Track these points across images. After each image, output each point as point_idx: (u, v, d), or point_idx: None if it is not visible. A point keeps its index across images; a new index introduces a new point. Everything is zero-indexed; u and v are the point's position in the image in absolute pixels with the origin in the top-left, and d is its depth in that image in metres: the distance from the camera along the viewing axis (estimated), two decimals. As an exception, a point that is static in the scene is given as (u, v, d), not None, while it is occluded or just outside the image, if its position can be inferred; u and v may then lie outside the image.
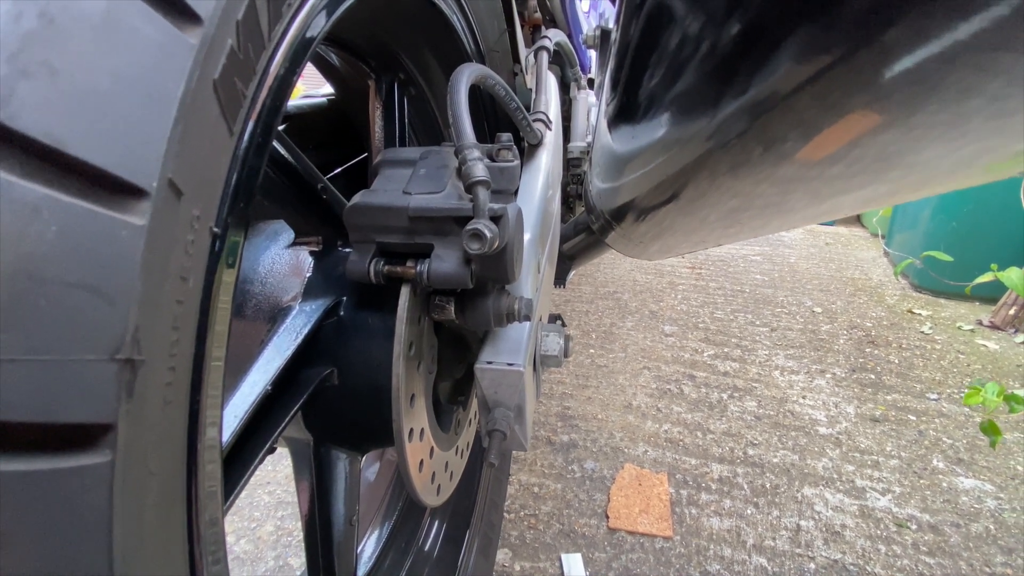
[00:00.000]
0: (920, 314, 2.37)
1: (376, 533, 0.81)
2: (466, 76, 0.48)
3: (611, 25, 1.07)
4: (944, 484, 1.35)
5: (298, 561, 1.13)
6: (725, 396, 1.69)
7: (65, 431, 0.15)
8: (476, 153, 0.43)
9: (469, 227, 0.41)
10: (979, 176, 0.21)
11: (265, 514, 1.23)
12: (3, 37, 0.13)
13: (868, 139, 0.22)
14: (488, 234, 0.41)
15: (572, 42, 1.24)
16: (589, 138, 1.22)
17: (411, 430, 0.50)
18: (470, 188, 0.42)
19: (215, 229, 0.20)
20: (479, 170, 0.42)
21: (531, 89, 0.90)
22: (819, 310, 2.37)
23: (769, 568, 1.11)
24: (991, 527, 1.22)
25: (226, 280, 0.23)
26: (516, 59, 0.94)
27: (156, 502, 0.18)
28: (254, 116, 0.23)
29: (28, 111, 0.14)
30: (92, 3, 0.15)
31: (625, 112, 0.52)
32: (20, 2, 0.14)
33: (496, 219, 0.43)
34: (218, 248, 0.21)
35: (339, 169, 0.78)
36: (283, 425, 0.45)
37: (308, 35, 0.28)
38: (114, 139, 0.15)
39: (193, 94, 0.18)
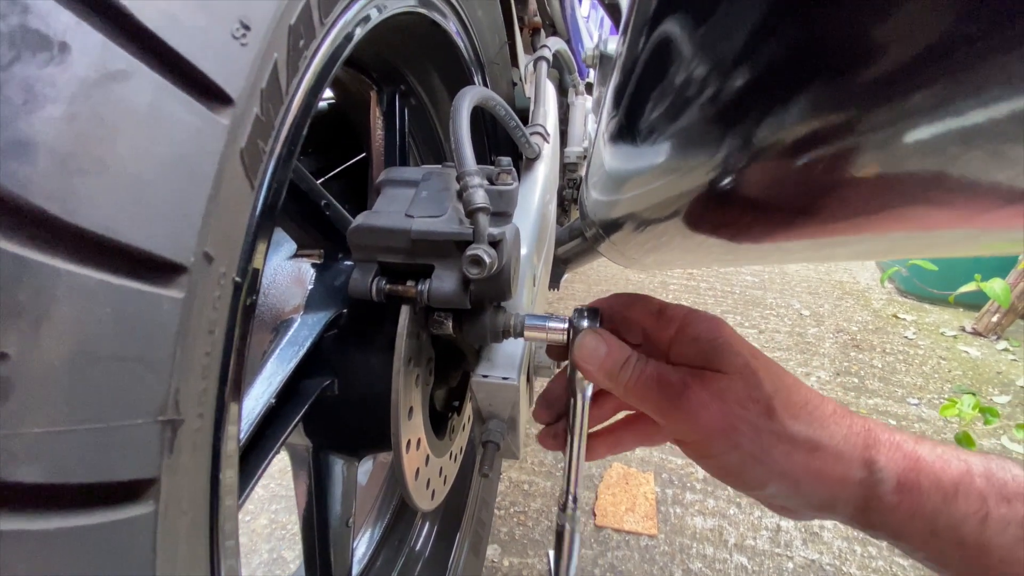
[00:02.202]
0: (904, 319, 2.42)
1: (369, 533, 0.84)
2: (468, 100, 0.49)
3: (608, 48, 1.08)
4: (920, 488, 1.39)
5: (291, 554, 1.15)
6: (712, 397, 1.73)
7: (115, 488, 0.17)
8: (477, 179, 0.44)
9: (469, 252, 0.42)
10: (978, 250, 0.22)
11: (259, 507, 1.25)
12: (60, 139, 0.15)
13: (875, 202, 0.23)
14: (487, 260, 0.42)
15: (571, 47, 1.25)
16: (585, 143, 1.24)
17: (408, 441, 0.52)
18: (471, 214, 0.44)
19: (237, 279, 0.22)
20: (479, 197, 0.44)
21: (530, 98, 0.91)
22: (807, 313, 2.41)
23: (749, 566, 1.15)
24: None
25: (245, 320, 0.24)
26: (515, 64, 0.95)
27: (187, 535, 0.20)
28: (272, 165, 0.25)
29: (84, 206, 0.15)
30: (138, 98, 0.17)
31: (625, 133, 0.52)
32: (73, 105, 0.15)
33: (495, 244, 0.44)
34: (239, 294, 0.23)
35: (338, 170, 0.79)
36: (286, 435, 0.47)
37: (321, 77, 0.30)
38: (158, 223, 0.17)
39: (224, 168, 0.19)
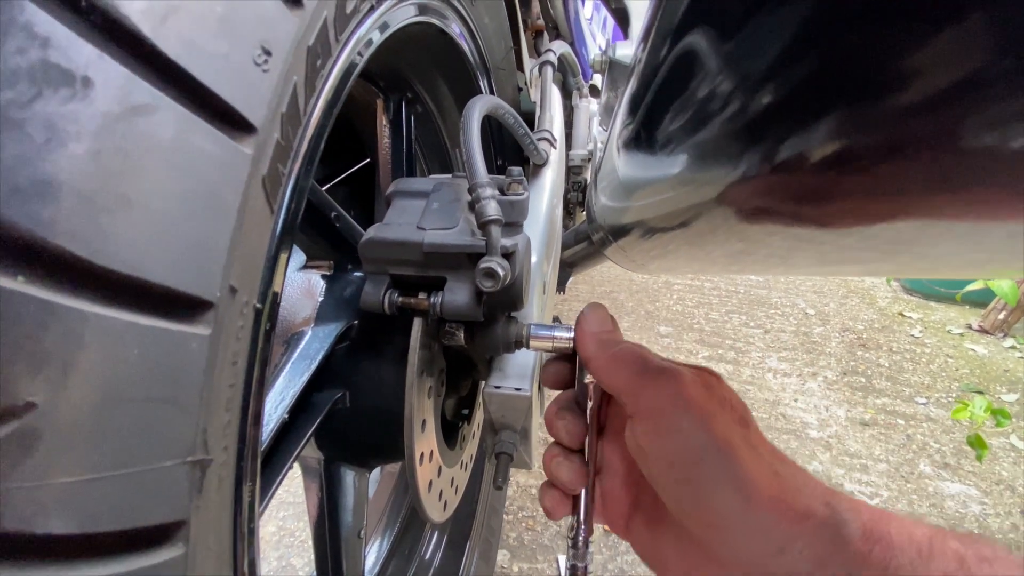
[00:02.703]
0: (910, 317, 2.41)
1: (378, 542, 0.83)
2: (478, 110, 0.49)
3: (617, 53, 1.07)
4: (930, 488, 1.39)
5: (300, 561, 1.15)
6: (719, 398, 1.72)
7: (146, 534, 0.16)
8: (489, 191, 0.44)
9: (482, 265, 0.42)
10: (983, 274, 0.22)
11: (267, 515, 1.25)
12: (84, 177, 0.14)
13: (886, 225, 0.23)
14: (501, 272, 0.42)
15: (575, 50, 1.25)
16: (590, 146, 1.23)
17: (421, 453, 0.52)
18: (483, 226, 0.43)
19: (258, 305, 0.21)
20: (492, 209, 0.43)
21: (535, 102, 0.91)
22: (812, 312, 2.40)
23: (760, 570, 1.14)
24: (975, 531, 1.26)
25: (266, 345, 0.24)
26: (520, 69, 0.94)
27: (214, 572, 0.20)
28: (291, 187, 0.24)
29: (110, 246, 0.15)
30: (162, 131, 0.16)
31: (640, 141, 0.52)
32: (97, 141, 0.15)
33: (508, 255, 0.44)
34: (260, 320, 0.22)
35: (342, 177, 0.79)
36: (299, 450, 0.46)
37: (337, 93, 0.29)
38: (185, 259, 0.17)
39: (247, 199, 0.19)
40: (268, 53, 0.19)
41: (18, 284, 0.13)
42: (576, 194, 1.26)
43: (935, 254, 0.22)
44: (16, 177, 0.13)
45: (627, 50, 1.11)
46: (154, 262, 0.16)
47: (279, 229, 0.24)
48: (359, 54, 0.32)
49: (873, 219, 0.23)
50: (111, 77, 0.15)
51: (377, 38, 0.36)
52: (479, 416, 0.73)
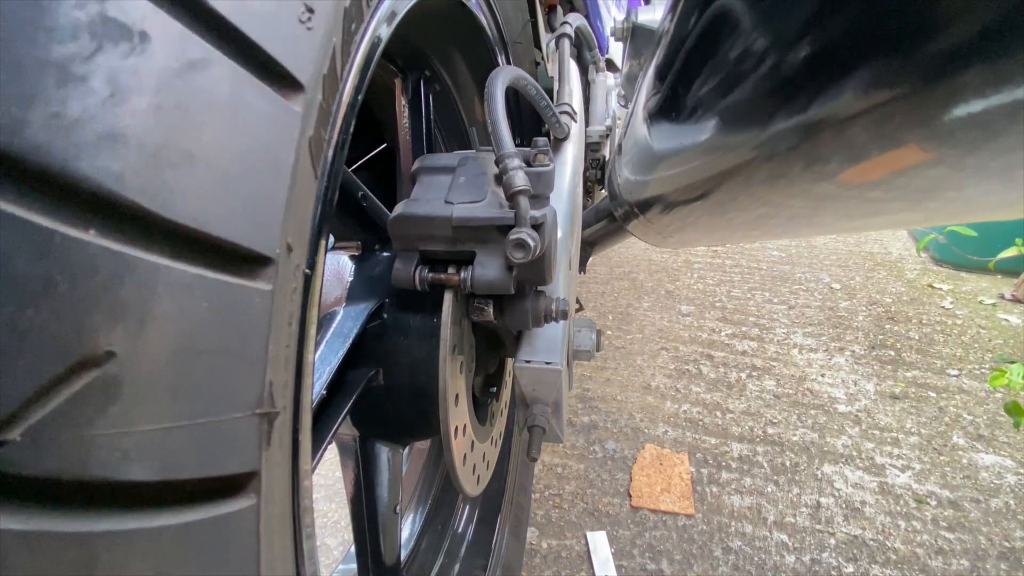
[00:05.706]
0: (940, 288, 2.34)
1: (411, 518, 0.85)
2: (501, 82, 0.48)
3: (640, 19, 1.05)
4: (964, 460, 1.36)
5: (335, 541, 1.18)
6: (743, 375, 1.70)
7: (222, 483, 0.17)
8: (516, 162, 0.44)
9: (513, 236, 0.42)
10: (1016, 213, 0.21)
11: (300, 497, 1.28)
12: (148, 131, 0.15)
13: (915, 171, 0.22)
14: (532, 243, 0.42)
15: (590, 23, 1.22)
16: (608, 121, 1.21)
17: (455, 427, 0.52)
18: (512, 197, 0.43)
19: (307, 271, 0.22)
20: (520, 179, 0.43)
21: (552, 77, 0.90)
22: (837, 286, 2.35)
23: (790, 544, 1.14)
24: (1011, 502, 1.23)
25: (313, 311, 0.24)
26: (537, 45, 0.93)
27: (279, 526, 0.20)
28: (330, 155, 0.25)
29: (177, 200, 0.15)
30: (218, 87, 0.16)
31: (669, 110, 0.51)
32: (158, 96, 0.15)
33: (537, 227, 0.44)
34: (309, 285, 0.22)
35: (362, 160, 0.79)
36: (336, 425, 0.47)
37: (367, 61, 0.29)
38: (246, 215, 0.17)
39: (298, 159, 0.19)
40: (311, 11, 0.19)
41: (90, 236, 0.14)
42: (595, 171, 1.24)
43: (966, 196, 0.21)
44: (84, 131, 0.14)
45: (650, 15, 1.08)
46: (219, 217, 0.16)
47: (322, 196, 0.24)
48: (386, 23, 0.32)
49: (913, 163, 0.22)
50: (167, 32, 0.15)
51: (402, 7, 0.35)
52: (506, 394, 0.73)
